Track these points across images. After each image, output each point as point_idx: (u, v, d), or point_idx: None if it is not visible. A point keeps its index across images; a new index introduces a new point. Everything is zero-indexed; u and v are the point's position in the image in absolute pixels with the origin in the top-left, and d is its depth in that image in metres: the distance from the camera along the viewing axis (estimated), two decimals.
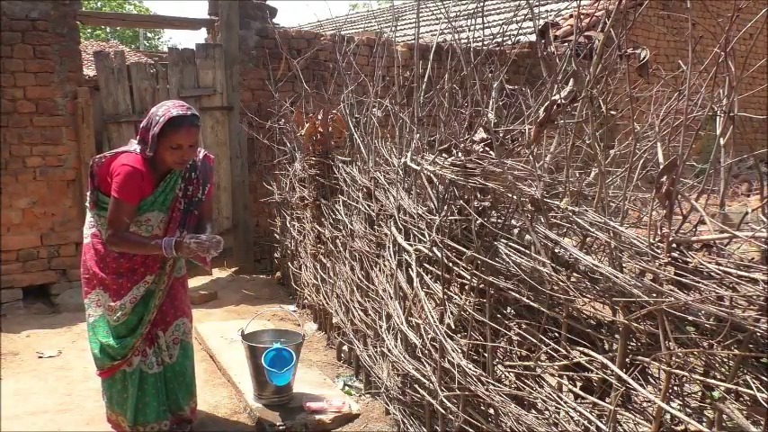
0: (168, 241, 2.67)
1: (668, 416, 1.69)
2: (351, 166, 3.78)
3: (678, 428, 1.69)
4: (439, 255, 2.42)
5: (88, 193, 2.84)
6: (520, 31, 3.19)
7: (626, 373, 1.70)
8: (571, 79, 2.01)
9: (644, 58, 1.93)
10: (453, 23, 2.59)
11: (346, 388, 3.57)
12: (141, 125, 2.72)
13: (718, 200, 1.75)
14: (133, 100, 5.50)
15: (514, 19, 2.76)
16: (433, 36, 8.12)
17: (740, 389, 1.47)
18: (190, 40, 67.25)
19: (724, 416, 1.50)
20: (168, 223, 2.82)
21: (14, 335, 4.44)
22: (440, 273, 2.44)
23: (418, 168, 2.61)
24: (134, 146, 2.74)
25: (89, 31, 20.35)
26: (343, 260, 3.82)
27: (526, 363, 2.10)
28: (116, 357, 2.83)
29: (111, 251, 2.76)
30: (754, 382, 1.46)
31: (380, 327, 3.09)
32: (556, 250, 1.94)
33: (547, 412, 2.01)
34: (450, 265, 2.40)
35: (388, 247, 2.98)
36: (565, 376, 2.01)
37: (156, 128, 2.61)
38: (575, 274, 1.88)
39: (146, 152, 2.67)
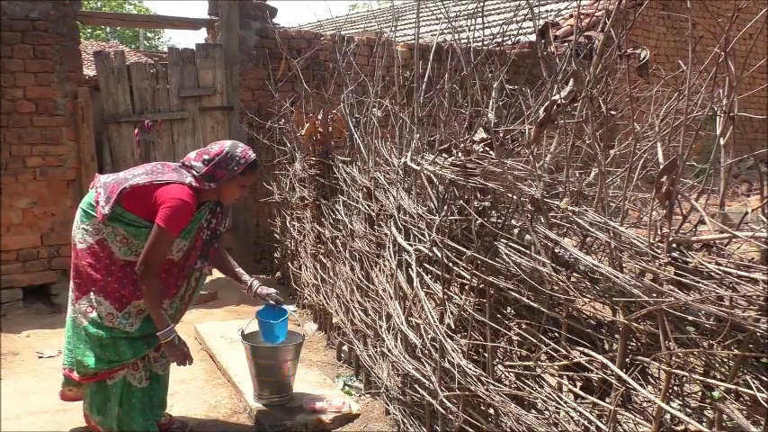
0: (170, 332, 2.73)
1: (668, 416, 1.69)
2: (351, 166, 3.78)
3: (678, 428, 1.69)
4: (439, 255, 2.42)
5: (105, 208, 2.69)
6: (520, 31, 3.19)
7: (626, 373, 1.70)
8: (571, 79, 2.01)
9: (644, 58, 1.93)
10: (453, 23, 2.60)
11: (346, 388, 3.57)
12: (212, 160, 2.74)
13: (718, 200, 1.75)
14: (133, 100, 5.50)
15: (514, 19, 2.76)
16: (433, 36, 8.12)
17: (740, 389, 1.47)
18: (190, 40, 67.28)
19: (724, 416, 1.50)
20: (189, 251, 2.83)
21: (14, 335, 4.45)
22: (440, 273, 2.44)
23: (418, 168, 2.61)
24: (188, 178, 2.73)
25: (89, 31, 20.35)
26: (343, 260, 3.82)
27: (526, 363, 2.10)
28: (104, 365, 2.78)
29: (117, 258, 2.74)
30: (754, 382, 1.46)
31: (380, 327, 3.09)
32: (556, 250, 1.94)
33: (547, 412, 2.01)
34: (450, 265, 2.40)
35: (388, 247, 2.98)
36: (565, 376, 2.01)
37: (237, 168, 2.74)
38: (575, 274, 1.87)
39: (204, 184, 2.73)
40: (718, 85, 1.73)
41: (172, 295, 2.83)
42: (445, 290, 2.42)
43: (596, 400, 1.82)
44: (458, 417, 2.36)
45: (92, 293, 2.77)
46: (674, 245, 1.62)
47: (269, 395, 3.26)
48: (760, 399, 1.41)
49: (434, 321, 2.45)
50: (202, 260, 2.88)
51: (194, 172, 2.75)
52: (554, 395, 1.97)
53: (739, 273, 1.46)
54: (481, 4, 2.39)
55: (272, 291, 3.15)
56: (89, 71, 6.19)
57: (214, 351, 4.03)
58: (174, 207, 2.62)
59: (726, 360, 1.56)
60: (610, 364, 1.75)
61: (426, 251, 2.56)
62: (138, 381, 2.87)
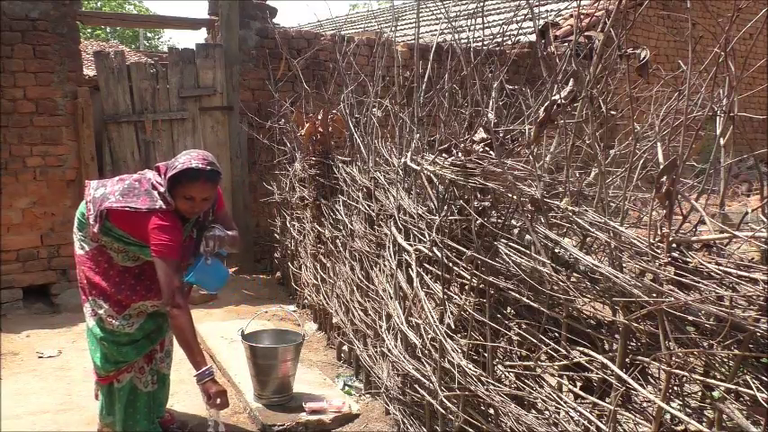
0: (208, 372, 2.55)
1: (668, 416, 1.69)
2: (351, 166, 3.78)
3: (678, 428, 1.69)
4: (439, 255, 2.42)
5: (95, 227, 2.66)
6: (520, 31, 3.19)
7: (626, 373, 1.70)
8: (571, 79, 2.01)
9: (644, 58, 1.93)
10: (453, 23, 2.60)
11: (346, 388, 3.57)
12: (163, 170, 2.64)
13: (718, 200, 1.75)
14: (133, 100, 5.50)
15: (514, 19, 2.76)
16: (433, 36, 8.12)
17: (740, 389, 1.47)
18: (190, 40, 67.27)
19: (724, 416, 1.50)
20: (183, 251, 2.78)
21: (14, 335, 4.44)
22: (440, 273, 2.44)
23: (418, 168, 2.61)
24: (159, 202, 2.59)
25: (89, 31, 20.34)
26: (343, 260, 3.81)
27: (526, 363, 2.10)
28: (112, 366, 2.79)
29: (116, 263, 2.75)
30: (754, 382, 1.46)
31: (380, 327, 3.09)
32: (556, 250, 1.94)
33: (547, 412, 2.01)
34: (450, 265, 2.40)
35: (388, 247, 2.98)
36: (565, 376, 2.01)
37: (171, 172, 2.56)
38: (575, 274, 1.87)
39: (167, 200, 2.57)
40: (719, 85, 1.73)
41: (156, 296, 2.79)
42: (445, 290, 2.42)
43: (596, 400, 1.82)
44: (458, 417, 2.36)
45: (93, 297, 2.78)
46: (674, 245, 1.62)
47: (269, 395, 3.26)
48: (760, 399, 1.41)
49: (434, 321, 2.45)
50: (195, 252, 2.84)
51: (161, 189, 2.62)
52: (554, 395, 1.97)
53: (739, 273, 1.46)
54: (481, 4, 2.39)
55: (221, 234, 2.75)
56: (89, 71, 6.18)
57: (214, 351, 4.02)
58: (162, 237, 2.53)
59: (726, 360, 1.56)
60: (610, 364, 1.75)
61: (426, 251, 2.56)
62: (143, 384, 2.88)
